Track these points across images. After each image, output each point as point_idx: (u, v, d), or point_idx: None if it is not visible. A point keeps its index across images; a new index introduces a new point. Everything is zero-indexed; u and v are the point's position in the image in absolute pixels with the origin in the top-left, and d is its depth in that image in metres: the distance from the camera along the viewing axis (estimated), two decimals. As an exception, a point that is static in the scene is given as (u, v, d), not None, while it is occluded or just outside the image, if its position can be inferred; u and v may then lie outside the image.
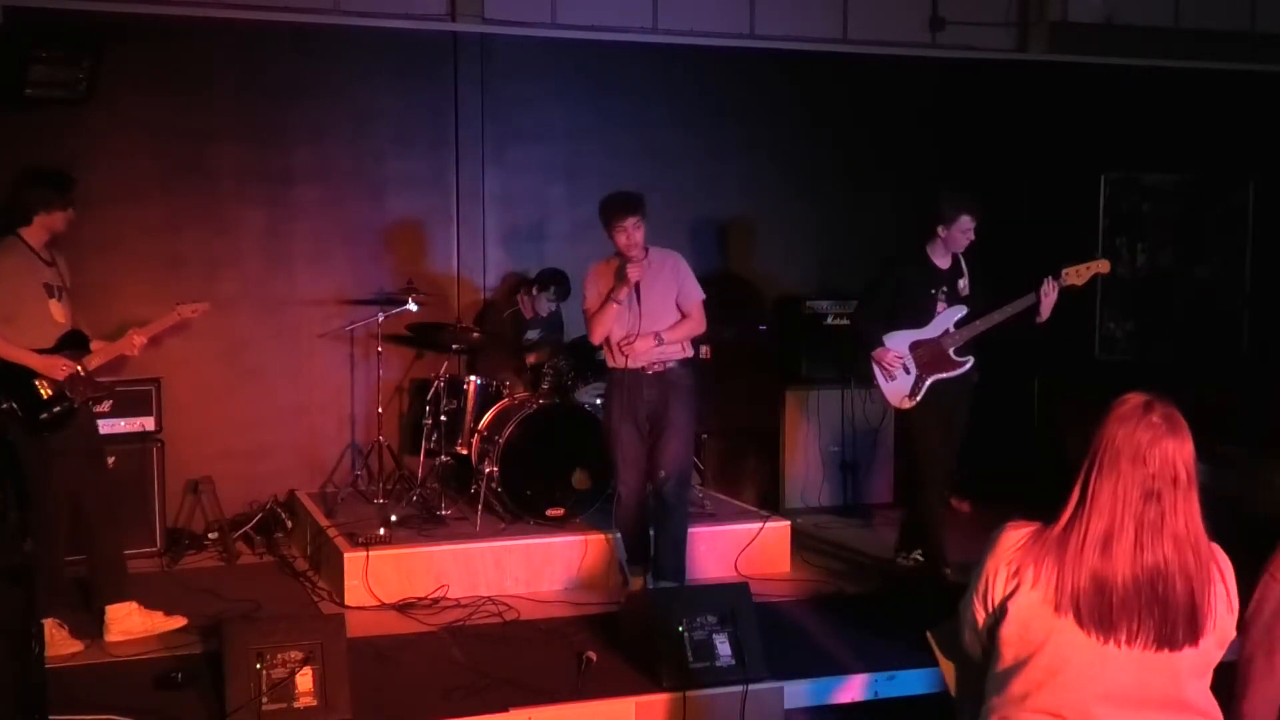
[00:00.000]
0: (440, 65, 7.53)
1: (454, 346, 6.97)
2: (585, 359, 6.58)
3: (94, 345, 5.32)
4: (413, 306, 6.77)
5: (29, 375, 5.06)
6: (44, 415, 5.08)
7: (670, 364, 5.68)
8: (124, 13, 6.90)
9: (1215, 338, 9.06)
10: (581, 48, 7.77)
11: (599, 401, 6.71)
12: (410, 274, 7.13)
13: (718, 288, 8.07)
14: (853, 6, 8.35)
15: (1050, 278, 5.71)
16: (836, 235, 8.25)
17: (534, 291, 7.17)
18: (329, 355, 7.38)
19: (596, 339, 5.71)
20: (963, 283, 5.95)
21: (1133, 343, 8.84)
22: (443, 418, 6.71)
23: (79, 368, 5.17)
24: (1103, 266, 5.87)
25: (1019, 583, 2.35)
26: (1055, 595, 2.31)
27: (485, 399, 6.75)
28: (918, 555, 6.22)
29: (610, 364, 5.76)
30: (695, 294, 5.71)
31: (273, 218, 7.30)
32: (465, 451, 6.71)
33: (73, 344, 5.22)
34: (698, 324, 5.71)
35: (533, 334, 7.19)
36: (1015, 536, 2.40)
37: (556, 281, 7.12)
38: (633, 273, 5.52)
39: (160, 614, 5.32)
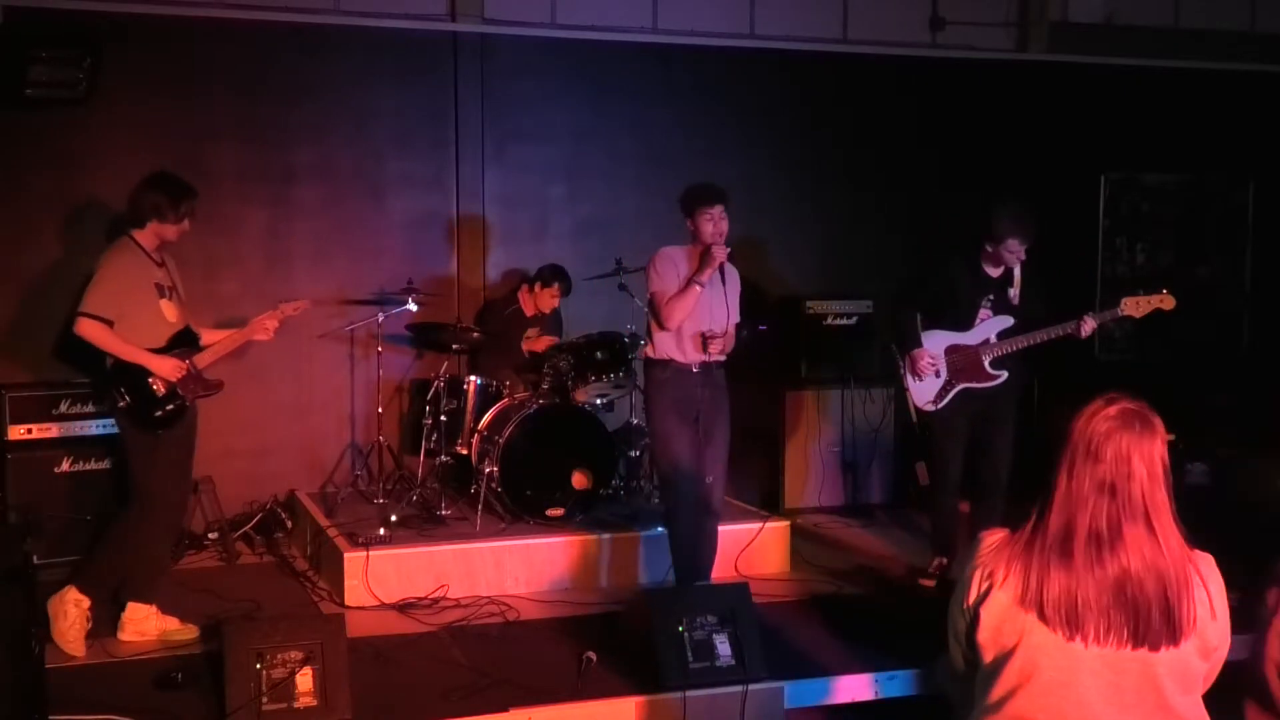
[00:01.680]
0: (440, 65, 7.53)
1: (454, 346, 6.97)
2: (585, 359, 6.56)
3: (206, 340, 5.42)
4: (413, 306, 6.77)
5: (144, 373, 5.14)
6: (158, 413, 5.16)
7: (719, 365, 5.55)
8: (124, 13, 6.90)
9: (1215, 338, 9.06)
10: (581, 48, 7.78)
11: (599, 402, 6.73)
12: (410, 274, 7.13)
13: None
14: (853, 6, 8.36)
15: (1105, 310, 5.65)
16: (836, 235, 8.25)
17: (536, 288, 7.16)
18: (329, 355, 7.38)
19: (674, 323, 5.34)
20: (1012, 292, 5.76)
21: (1132, 343, 8.84)
22: (443, 418, 6.71)
23: (191, 366, 5.26)
24: (1166, 303, 5.60)
25: (990, 585, 2.35)
26: (1021, 593, 2.31)
27: (485, 399, 6.75)
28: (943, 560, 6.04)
29: (660, 356, 5.44)
30: (738, 313, 5.61)
31: (273, 218, 7.30)
32: (465, 451, 6.70)
33: (184, 342, 5.31)
34: (732, 340, 5.59)
35: (533, 333, 7.20)
36: (988, 542, 2.41)
37: (560, 277, 7.12)
38: (719, 252, 5.34)
39: (175, 620, 5.33)
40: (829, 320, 7.91)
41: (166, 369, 5.17)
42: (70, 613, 5.10)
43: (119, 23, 6.84)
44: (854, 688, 4.88)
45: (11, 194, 6.82)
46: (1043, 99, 8.54)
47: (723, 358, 5.53)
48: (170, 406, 5.20)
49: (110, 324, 5.07)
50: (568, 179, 7.82)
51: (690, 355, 5.43)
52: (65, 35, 6.46)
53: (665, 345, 5.44)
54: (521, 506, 6.34)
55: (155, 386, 5.18)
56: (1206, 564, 2.36)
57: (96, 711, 4.40)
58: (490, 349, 7.11)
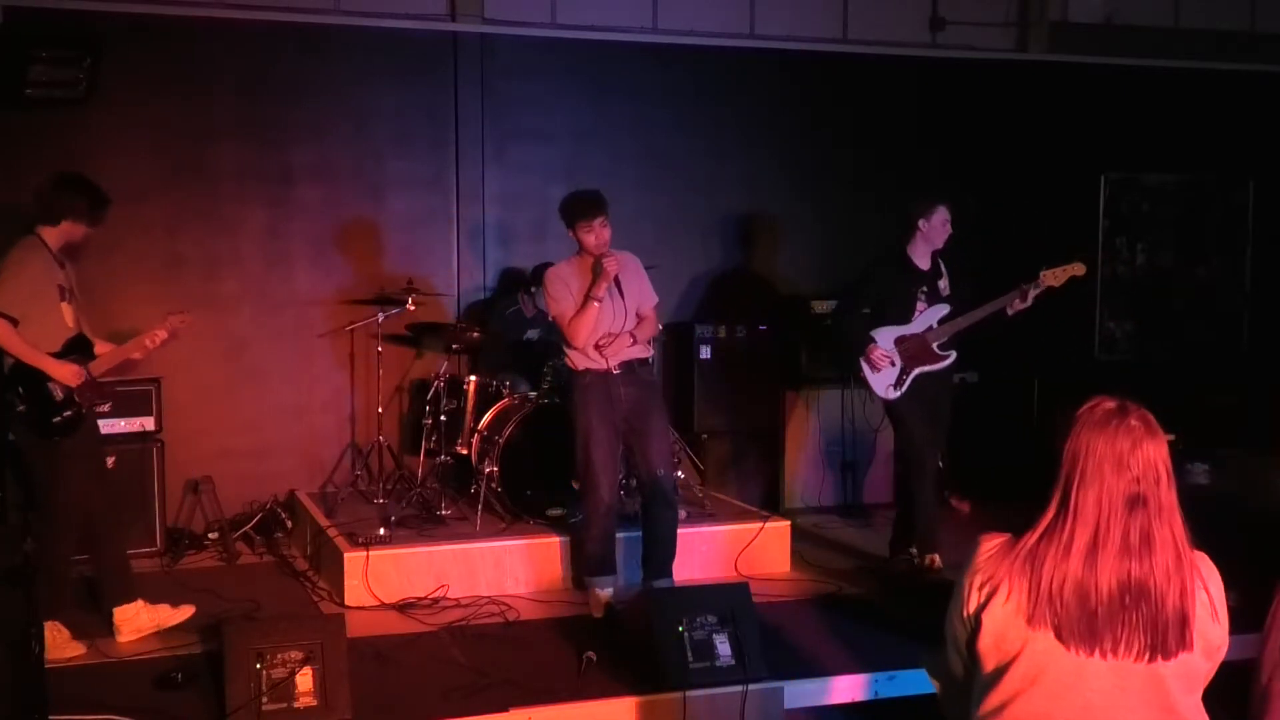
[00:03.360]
0: (440, 65, 7.53)
1: (454, 346, 6.97)
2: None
3: (98, 349, 5.31)
4: (413, 306, 6.77)
5: (42, 378, 5.03)
6: (55, 419, 5.06)
7: (641, 362, 5.69)
8: (124, 13, 6.90)
9: (1215, 338, 9.06)
10: (581, 48, 7.77)
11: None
12: (410, 274, 7.13)
13: (718, 288, 8.13)
14: (853, 6, 8.36)
15: (1025, 285, 5.94)
16: (837, 235, 8.25)
17: (534, 290, 7.17)
18: (329, 355, 7.38)
19: (581, 341, 5.52)
20: (943, 283, 6.14)
21: (1133, 343, 8.85)
22: (443, 418, 6.71)
23: (87, 372, 5.16)
24: (1078, 270, 6.00)
25: (991, 593, 2.30)
26: (1030, 609, 2.26)
27: (485, 399, 6.75)
28: (913, 552, 6.21)
29: (578, 367, 5.61)
30: (652, 296, 5.74)
31: (273, 218, 7.29)
32: (465, 451, 6.70)
33: (79, 348, 5.21)
34: (654, 325, 5.76)
35: (533, 333, 7.20)
36: (987, 548, 2.37)
37: None
38: (611, 265, 5.44)
39: (166, 606, 5.31)
40: (829, 320, 7.90)
41: (67, 374, 5.04)
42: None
43: (119, 23, 6.84)
44: (853, 688, 4.88)
45: (12, 194, 6.81)
46: (1043, 99, 8.54)
47: (647, 353, 5.72)
48: (68, 413, 5.07)
49: (15, 323, 4.94)
50: (568, 179, 7.77)
51: (609, 361, 5.58)
52: (65, 35, 6.47)
53: (581, 358, 5.61)
54: (521, 506, 6.34)
55: (54, 392, 5.05)
56: (1205, 565, 2.36)
57: (96, 711, 4.40)
58: (490, 349, 7.11)
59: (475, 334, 6.96)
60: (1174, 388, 8.10)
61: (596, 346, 5.55)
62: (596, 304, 5.48)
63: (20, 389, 5.01)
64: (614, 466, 5.67)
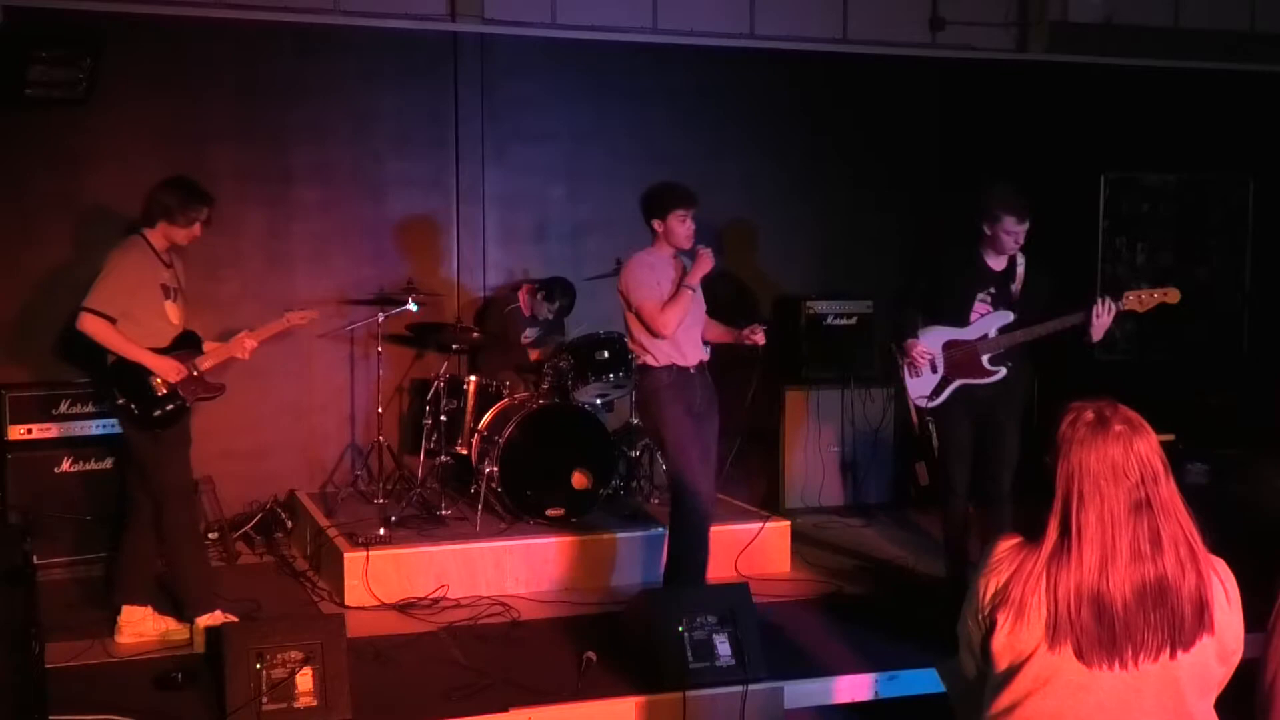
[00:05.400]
0: (440, 65, 7.53)
1: (454, 346, 6.97)
2: (585, 359, 6.56)
3: (206, 347, 5.41)
4: (413, 306, 6.77)
5: (145, 373, 5.14)
6: (157, 413, 5.17)
7: (709, 364, 5.55)
8: (124, 13, 6.90)
9: (1215, 338, 9.06)
10: (581, 48, 7.77)
11: (599, 402, 6.73)
12: (410, 274, 7.13)
13: (718, 288, 8.12)
14: (853, 6, 8.36)
15: (1107, 297, 5.28)
16: (836, 236, 8.25)
17: (538, 296, 7.17)
18: (329, 355, 7.38)
19: (671, 329, 5.26)
20: (1015, 287, 5.52)
21: (1133, 343, 8.84)
22: (443, 418, 6.71)
23: (192, 369, 5.25)
24: (1171, 296, 5.35)
25: (1005, 596, 2.30)
26: (1048, 632, 2.25)
27: (485, 399, 6.75)
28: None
29: (660, 363, 5.35)
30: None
31: (273, 218, 7.29)
32: (465, 451, 6.70)
33: (187, 345, 5.31)
34: (715, 328, 5.63)
35: (531, 332, 7.20)
36: (1001, 549, 2.36)
37: (565, 296, 7.11)
38: (708, 257, 5.30)
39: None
40: (829, 320, 7.91)
41: (167, 369, 5.17)
42: (147, 627, 5.25)
43: (119, 23, 6.84)
44: (854, 688, 4.88)
45: (11, 194, 6.82)
46: (1043, 99, 8.54)
47: (707, 355, 5.56)
48: (170, 407, 5.20)
49: (113, 321, 5.06)
50: (568, 179, 7.82)
51: (690, 357, 5.42)
52: (65, 35, 6.46)
53: (665, 351, 5.38)
54: (521, 506, 6.34)
55: (156, 386, 5.17)
56: (1222, 568, 2.35)
57: (96, 711, 4.40)
58: (490, 349, 7.11)
59: (475, 334, 6.97)
60: (1173, 388, 8.11)
61: (747, 335, 5.38)
62: (691, 292, 5.30)
63: (121, 385, 5.12)
64: (711, 463, 5.41)
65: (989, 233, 5.46)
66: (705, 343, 5.56)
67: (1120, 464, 2.26)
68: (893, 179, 8.28)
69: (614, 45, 7.84)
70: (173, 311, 5.26)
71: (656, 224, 5.38)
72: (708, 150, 7.98)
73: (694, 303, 5.42)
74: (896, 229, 8.28)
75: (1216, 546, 2.40)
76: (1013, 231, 5.40)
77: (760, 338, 5.47)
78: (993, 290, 5.51)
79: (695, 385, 5.41)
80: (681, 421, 5.34)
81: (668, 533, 5.61)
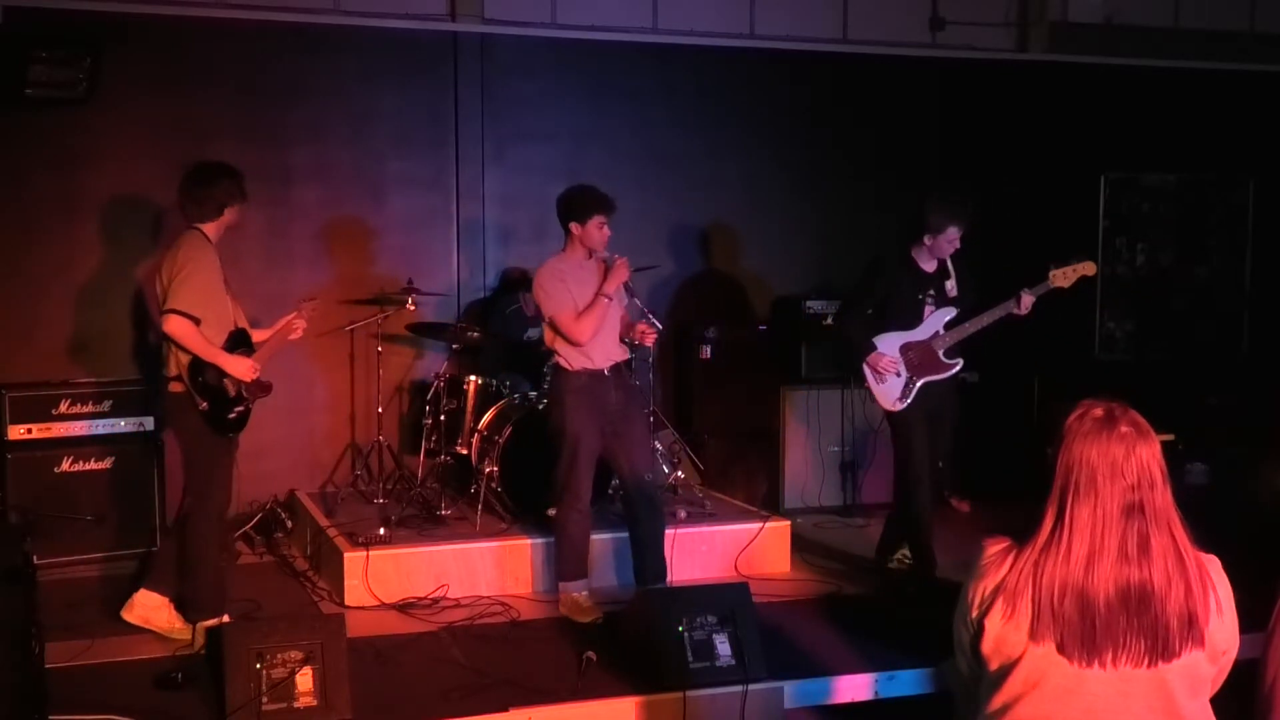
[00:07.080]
0: (440, 65, 7.53)
1: (454, 346, 6.97)
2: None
3: (255, 341, 5.29)
4: (413, 306, 6.77)
5: (220, 374, 5.01)
6: (230, 415, 5.06)
7: (626, 365, 5.67)
8: (124, 13, 6.90)
9: (1215, 338, 9.06)
10: (581, 48, 7.78)
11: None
12: (410, 274, 7.13)
13: (718, 287, 8.14)
14: (853, 6, 8.36)
15: (1027, 291, 5.72)
16: (836, 235, 8.25)
17: (524, 294, 7.17)
18: (329, 355, 7.38)
19: (587, 338, 5.41)
20: (950, 284, 5.92)
21: (1133, 343, 8.84)
22: (443, 417, 6.71)
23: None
24: (1088, 269, 5.79)
25: (994, 600, 2.31)
26: (1032, 623, 2.27)
27: (485, 399, 6.75)
28: (904, 555, 6.16)
29: (573, 367, 5.49)
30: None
31: (272, 218, 7.29)
32: (465, 451, 6.70)
33: (242, 342, 5.20)
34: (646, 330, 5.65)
35: (534, 332, 7.19)
36: (990, 553, 2.37)
37: None
38: (624, 268, 5.42)
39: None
40: (829, 320, 7.89)
41: (243, 369, 5.04)
42: (158, 617, 5.21)
43: (119, 23, 6.84)
44: (854, 688, 4.88)
45: (12, 194, 6.82)
46: (1043, 99, 8.54)
47: (627, 355, 5.67)
48: (240, 409, 5.10)
49: (198, 322, 4.93)
50: (568, 179, 7.71)
51: (600, 361, 5.50)
52: (65, 35, 6.47)
53: (577, 356, 5.49)
54: (521, 506, 6.34)
55: (227, 388, 5.05)
56: (1215, 567, 2.35)
57: (96, 711, 4.40)
58: (490, 349, 7.11)
59: (475, 334, 6.97)
60: (1173, 388, 8.10)
61: (638, 334, 5.49)
62: (606, 300, 5.42)
63: (201, 388, 4.98)
64: (593, 472, 5.61)
65: (929, 242, 5.79)
66: (624, 340, 5.65)
67: (1120, 463, 2.27)
68: (893, 179, 8.27)
69: (614, 45, 7.84)
70: (233, 307, 5.18)
71: (575, 227, 5.50)
72: (708, 150, 7.99)
73: (610, 308, 5.50)
74: (896, 229, 8.27)
75: (1216, 547, 2.40)
76: (954, 240, 5.78)
77: (650, 339, 5.60)
78: (932, 292, 5.90)
79: (609, 386, 5.52)
80: (578, 424, 5.45)
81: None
